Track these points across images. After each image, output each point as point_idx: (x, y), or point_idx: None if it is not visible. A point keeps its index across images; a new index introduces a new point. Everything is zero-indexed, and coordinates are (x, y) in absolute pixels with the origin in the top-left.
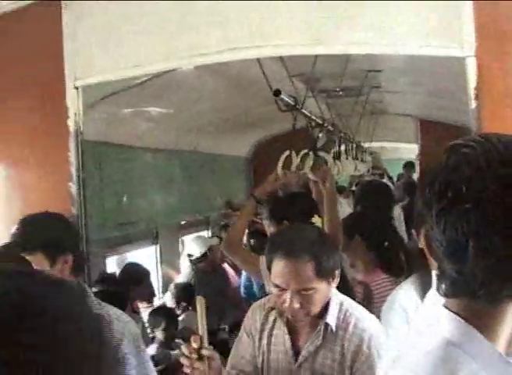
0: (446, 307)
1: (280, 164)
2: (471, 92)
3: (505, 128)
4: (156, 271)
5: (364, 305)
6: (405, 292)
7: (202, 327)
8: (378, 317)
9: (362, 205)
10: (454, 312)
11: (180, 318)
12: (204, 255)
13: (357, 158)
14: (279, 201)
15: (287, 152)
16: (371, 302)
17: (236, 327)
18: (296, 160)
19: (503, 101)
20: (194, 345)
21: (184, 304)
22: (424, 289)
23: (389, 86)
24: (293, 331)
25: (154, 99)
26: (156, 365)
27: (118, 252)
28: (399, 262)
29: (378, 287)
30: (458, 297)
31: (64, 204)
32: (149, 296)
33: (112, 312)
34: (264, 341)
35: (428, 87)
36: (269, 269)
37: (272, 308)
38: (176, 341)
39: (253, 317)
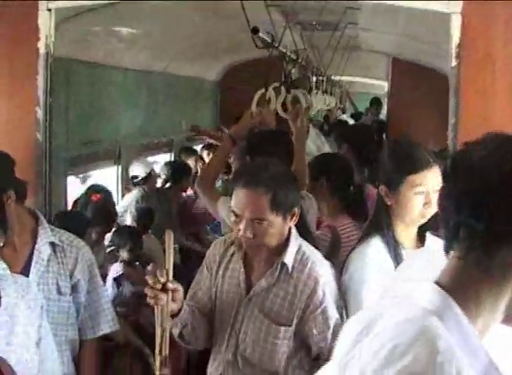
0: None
1: (255, 101)
2: (453, 50)
3: (484, 88)
4: (117, 191)
5: (331, 250)
6: (375, 248)
7: (168, 261)
8: (342, 262)
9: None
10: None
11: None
12: (146, 178)
13: (327, 92)
14: (261, 137)
15: (262, 90)
16: (338, 247)
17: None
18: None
19: (483, 62)
20: (161, 279)
21: (144, 227)
22: (391, 249)
23: (366, 23)
24: (249, 267)
25: (127, 20)
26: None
27: (80, 171)
28: (364, 208)
29: (343, 231)
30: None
31: (30, 130)
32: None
33: (65, 237)
34: (220, 273)
35: (405, 29)
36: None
37: (232, 243)
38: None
39: (213, 251)
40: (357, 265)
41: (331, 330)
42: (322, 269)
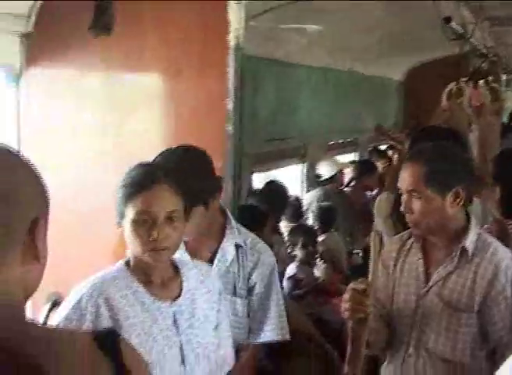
0: None
1: (445, 95)
2: None
3: None
4: (301, 190)
5: None
6: None
7: (375, 264)
8: None
9: None
10: None
11: (320, 238)
12: (332, 177)
13: None
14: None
15: (453, 84)
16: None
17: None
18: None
19: None
20: (362, 286)
21: (325, 225)
22: None
23: None
24: (428, 258)
25: (312, 16)
26: (297, 283)
27: (266, 168)
28: None
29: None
30: None
31: (219, 121)
32: (295, 216)
33: (249, 240)
34: (398, 268)
35: None
36: None
37: (409, 237)
38: (317, 261)
39: (389, 248)
40: None
41: None
42: (503, 254)
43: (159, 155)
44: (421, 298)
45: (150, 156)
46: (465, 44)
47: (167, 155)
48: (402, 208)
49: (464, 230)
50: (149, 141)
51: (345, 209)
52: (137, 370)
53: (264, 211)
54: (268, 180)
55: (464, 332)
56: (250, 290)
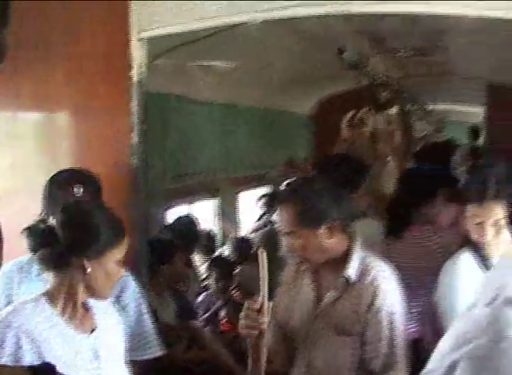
0: None
1: (345, 124)
2: None
3: None
4: (215, 225)
5: None
6: (465, 262)
7: (263, 281)
8: None
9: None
10: None
11: (237, 270)
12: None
13: (421, 119)
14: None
15: (352, 112)
16: None
17: None
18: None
19: None
20: (256, 306)
21: (242, 257)
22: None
23: (457, 47)
24: (320, 282)
25: (219, 53)
26: (204, 311)
27: (178, 204)
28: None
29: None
30: None
31: (124, 155)
32: (208, 249)
33: None
34: (294, 290)
35: (497, 50)
36: None
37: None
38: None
39: (289, 270)
40: (446, 279)
41: (392, 339)
42: (386, 280)
43: None
44: (312, 322)
45: None
46: (362, 75)
47: None
48: (285, 247)
49: (348, 255)
50: None
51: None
52: None
53: (173, 243)
54: (179, 215)
55: (348, 354)
56: (121, 310)
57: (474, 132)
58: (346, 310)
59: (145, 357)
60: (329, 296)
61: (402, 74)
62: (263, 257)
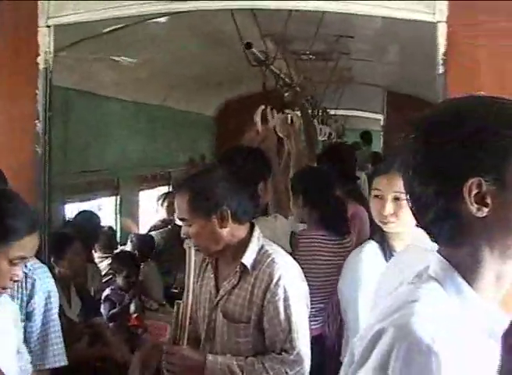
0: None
1: (258, 116)
2: (440, 58)
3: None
4: (115, 222)
5: None
6: (369, 252)
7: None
8: None
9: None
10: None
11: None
12: None
13: (322, 123)
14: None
15: (262, 106)
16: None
17: None
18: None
19: (469, 69)
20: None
21: (144, 254)
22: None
23: (358, 54)
24: (219, 273)
25: (125, 49)
26: (112, 304)
27: (79, 199)
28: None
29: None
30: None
31: (28, 142)
32: (109, 246)
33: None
34: (199, 282)
35: (395, 57)
36: None
37: None
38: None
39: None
40: (349, 269)
41: (290, 326)
42: (281, 267)
43: None
44: (212, 312)
45: None
46: (267, 73)
47: None
48: (181, 234)
49: (246, 244)
50: None
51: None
52: None
53: (71, 237)
54: (79, 210)
55: (243, 342)
56: (28, 315)
57: (367, 138)
58: (241, 299)
59: (48, 366)
60: (226, 284)
61: (304, 77)
62: (190, 253)
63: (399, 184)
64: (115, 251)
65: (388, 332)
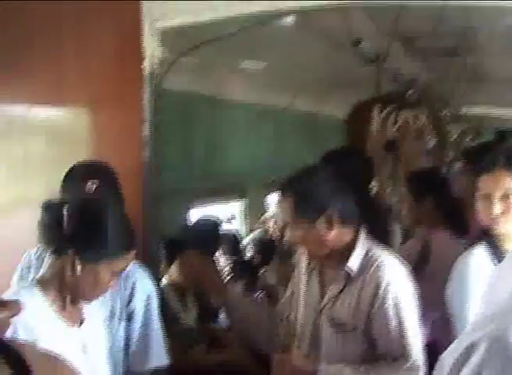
0: None
1: (376, 120)
2: None
3: None
4: (242, 226)
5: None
6: (478, 253)
7: None
8: None
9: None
10: None
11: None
12: None
13: (454, 122)
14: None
15: (379, 108)
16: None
17: None
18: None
19: None
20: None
21: (264, 258)
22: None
23: (489, 49)
24: (324, 277)
25: (247, 52)
26: None
27: (203, 204)
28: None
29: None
30: None
31: (135, 147)
32: (232, 252)
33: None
34: (304, 285)
35: None
36: None
37: None
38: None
39: (299, 265)
40: (457, 275)
41: (403, 333)
42: (389, 271)
43: None
44: (316, 318)
45: None
46: (380, 72)
47: None
48: (287, 239)
49: (352, 247)
50: None
51: None
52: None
53: (181, 242)
54: (200, 216)
55: (350, 350)
56: (129, 316)
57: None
58: (346, 305)
59: (149, 366)
60: (331, 290)
61: (432, 76)
62: (299, 258)
63: (507, 182)
64: (235, 258)
65: (481, 346)
